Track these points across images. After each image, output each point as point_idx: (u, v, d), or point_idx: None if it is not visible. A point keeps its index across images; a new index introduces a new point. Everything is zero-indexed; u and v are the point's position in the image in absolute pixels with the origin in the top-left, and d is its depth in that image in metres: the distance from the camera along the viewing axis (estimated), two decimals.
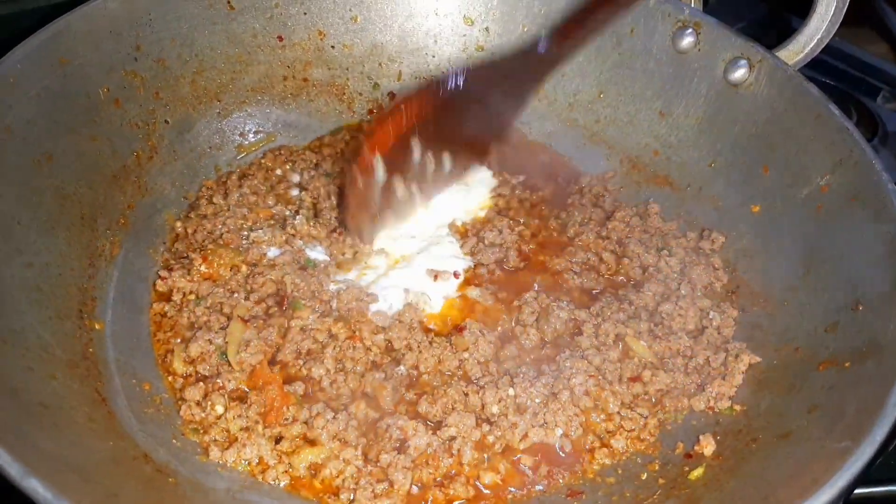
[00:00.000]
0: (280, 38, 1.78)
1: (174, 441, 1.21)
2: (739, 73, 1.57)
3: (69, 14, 1.44)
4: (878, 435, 0.97)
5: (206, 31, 1.68)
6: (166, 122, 1.63)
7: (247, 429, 1.23)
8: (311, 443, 1.24)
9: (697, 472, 1.18)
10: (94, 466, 1.03)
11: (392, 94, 1.88)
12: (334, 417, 1.25)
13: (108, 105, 1.52)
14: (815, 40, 1.56)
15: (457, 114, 1.54)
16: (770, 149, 1.51)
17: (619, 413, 1.31)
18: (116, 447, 1.12)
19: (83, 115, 1.47)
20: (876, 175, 1.30)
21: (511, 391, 1.31)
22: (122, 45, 1.54)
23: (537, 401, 1.31)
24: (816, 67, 2.26)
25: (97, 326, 1.33)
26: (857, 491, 1.38)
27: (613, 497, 1.20)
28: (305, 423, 1.25)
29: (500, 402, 1.30)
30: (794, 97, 1.49)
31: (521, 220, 1.65)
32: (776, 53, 1.56)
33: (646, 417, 1.31)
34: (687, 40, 1.64)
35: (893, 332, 1.11)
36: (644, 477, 1.23)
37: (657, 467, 1.24)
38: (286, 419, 1.25)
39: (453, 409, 1.29)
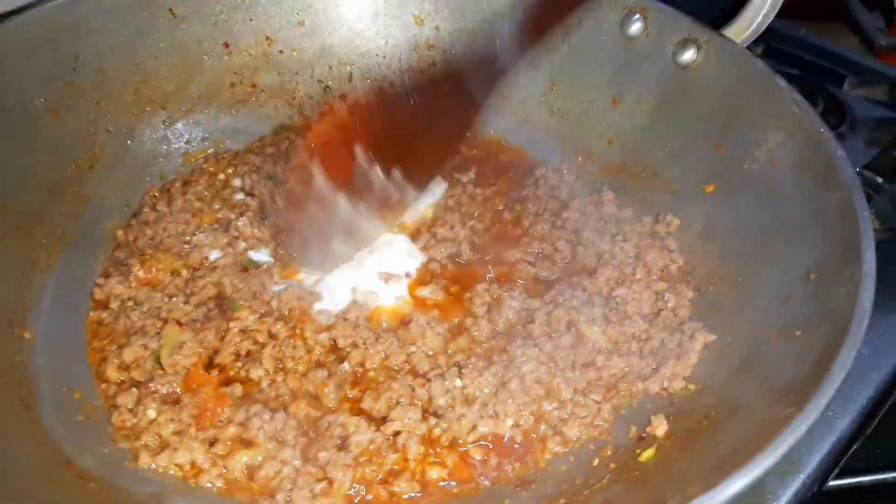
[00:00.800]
0: (226, 45, 1.76)
1: (103, 448, 1.16)
2: (688, 55, 1.55)
3: (2, 24, 1.42)
4: (824, 397, 0.91)
5: (148, 41, 1.66)
6: (108, 131, 1.60)
7: (179, 432, 1.18)
8: (248, 444, 1.18)
9: (648, 454, 1.13)
10: (9, 470, 0.99)
11: (343, 96, 1.85)
12: (272, 417, 1.20)
13: (45, 116, 1.49)
14: (762, 16, 1.53)
15: (407, 126, 1.46)
16: (722, 127, 1.48)
17: (571, 400, 1.26)
18: (36, 453, 1.08)
19: (19, 126, 1.43)
20: (825, 143, 1.27)
21: (458, 382, 1.26)
22: (60, 56, 1.52)
23: (486, 391, 1.25)
24: (782, 59, 2.25)
25: (27, 335, 1.28)
26: (834, 482, 1.33)
27: (563, 485, 1.14)
28: (241, 424, 1.20)
29: (446, 393, 1.25)
30: (743, 74, 1.46)
31: (475, 215, 1.61)
32: (723, 32, 1.53)
33: (599, 403, 1.25)
34: (635, 26, 1.62)
35: (844, 298, 1.06)
36: (595, 463, 1.17)
37: (609, 452, 1.19)
38: (221, 421, 1.20)
39: (398, 403, 1.24)
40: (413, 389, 1.26)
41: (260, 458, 1.17)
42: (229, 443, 1.18)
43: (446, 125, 1.54)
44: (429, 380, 1.27)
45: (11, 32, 1.43)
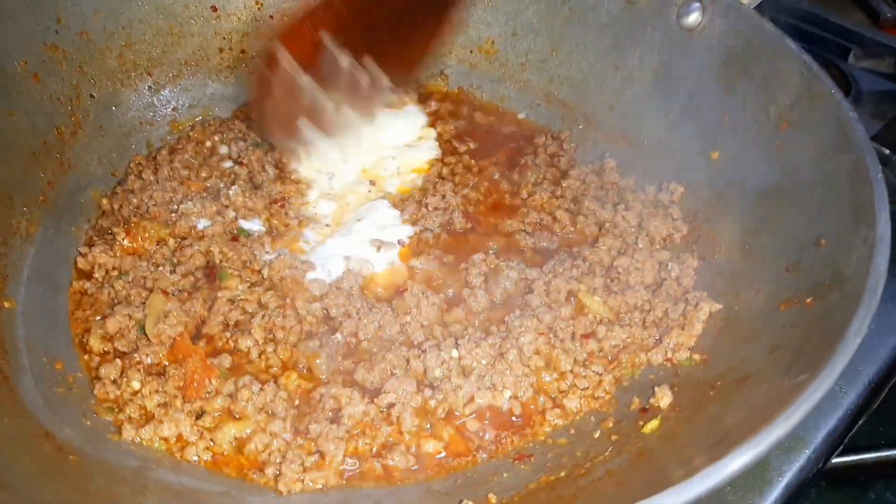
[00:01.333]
0: (214, 9, 1.70)
1: (85, 420, 1.12)
2: (693, 17, 1.49)
3: None
4: (839, 364, 0.87)
5: (133, 3, 1.61)
6: (91, 96, 1.55)
7: (164, 404, 1.14)
8: (236, 417, 1.14)
9: (652, 425, 1.08)
10: None
11: None
12: (261, 389, 1.16)
13: (26, 79, 1.43)
14: None
15: (380, 19, 1.46)
16: (728, 92, 1.42)
17: (571, 371, 1.22)
18: (13, 424, 1.03)
19: None
20: (836, 105, 1.22)
21: (455, 353, 1.22)
22: (41, 18, 1.46)
23: (483, 362, 1.21)
24: (787, 31, 2.19)
25: (6, 305, 1.24)
26: (837, 459, 1.30)
27: (563, 457, 1.10)
28: (229, 396, 1.15)
29: (442, 364, 1.20)
30: (750, 36, 1.40)
31: (470, 185, 1.56)
32: None
33: (601, 375, 1.21)
34: None
35: (856, 263, 1.02)
36: (597, 435, 1.13)
37: (611, 424, 1.14)
38: (208, 393, 1.16)
39: (392, 374, 1.19)
40: (408, 361, 1.22)
41: (249, 431, 1.13)
42: (217, 415, 1.14)
43: (422, 20, 1.52)
44: (424, 351, 1.23)
45: None
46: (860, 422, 1.32)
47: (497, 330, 1.27)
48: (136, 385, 1.15)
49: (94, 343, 1.22)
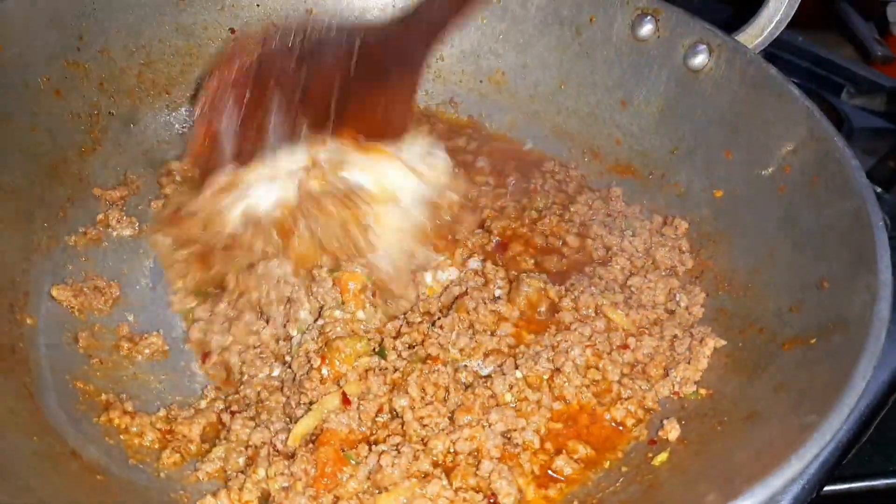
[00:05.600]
0: (233, 31, 1.73)
1: (108, 440, 1.14)
2: (700, 59, 1.55)
3: (6, 0, 1.39)
4: (846, 406, 0.92)
5: (153, 23, 1.63)
6: (111, 113, 1.57)
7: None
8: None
9: (661, 458, 1.12)
10: (10, 460, 0.96)
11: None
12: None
13: (48, 95, 1.46)
14: (775, 22, 1.54)
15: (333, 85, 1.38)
16: (732, 133, 1.48)
17: (619, 382, 1.26)
18: (41, 442, 1.05)
19: (21, 104, 1.40)
20: (838, 151, 1.27)
21: (518, 374, 1.25)
22: (64, 35, 1.49)
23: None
24: (780, 67, 2.25)
25: (28, 321, 1.25)
26: (829, 488, 1.34)
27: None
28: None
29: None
30: (755, 80, 1.46)
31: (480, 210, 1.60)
32: (736, 37, 1.53)
33: (645, 391, 1.25)
34: (646, 28, 1.61)
35: (860, 307, 1.07)
36: (606, 465, 1.17)
37: (620, 455, 1.18)
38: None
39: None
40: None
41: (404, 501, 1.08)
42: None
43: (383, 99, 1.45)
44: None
45: (16, 8, 1.40)
46: (852, 452, 1.37)
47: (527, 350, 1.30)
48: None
49: None
